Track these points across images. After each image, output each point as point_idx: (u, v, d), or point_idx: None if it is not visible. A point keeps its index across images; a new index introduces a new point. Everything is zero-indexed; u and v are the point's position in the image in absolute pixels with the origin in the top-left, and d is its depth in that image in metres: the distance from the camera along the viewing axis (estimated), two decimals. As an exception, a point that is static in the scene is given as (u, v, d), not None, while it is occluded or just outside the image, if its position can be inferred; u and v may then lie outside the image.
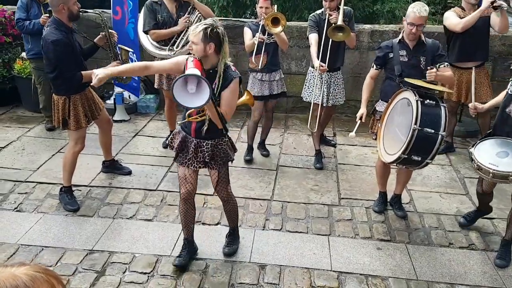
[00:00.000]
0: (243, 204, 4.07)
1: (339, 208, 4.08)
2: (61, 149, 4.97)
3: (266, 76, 4.54)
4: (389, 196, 4.09)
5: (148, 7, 4.63)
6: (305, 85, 4.74)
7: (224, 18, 6.85)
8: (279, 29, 4.19)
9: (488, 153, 3.19)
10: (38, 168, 4.56)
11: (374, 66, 3.86)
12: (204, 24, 2.79)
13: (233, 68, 2.95)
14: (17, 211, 3.88)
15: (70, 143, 4.00)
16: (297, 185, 4.45)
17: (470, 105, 3.56)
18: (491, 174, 3.11)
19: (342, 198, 4.24)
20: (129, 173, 4.50)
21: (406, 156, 3.31)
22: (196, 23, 4.32)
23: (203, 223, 3.79)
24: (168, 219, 3.84)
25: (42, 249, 3.42)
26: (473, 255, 3.52)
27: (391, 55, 3.72)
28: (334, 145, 5.34)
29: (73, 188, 4.07)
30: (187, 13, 4.59)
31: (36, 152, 4.89)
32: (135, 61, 5.49)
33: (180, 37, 4.59)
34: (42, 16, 4.86)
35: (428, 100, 3.30)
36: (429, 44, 3.68)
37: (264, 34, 4.33)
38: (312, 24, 4.44)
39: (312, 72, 4.60)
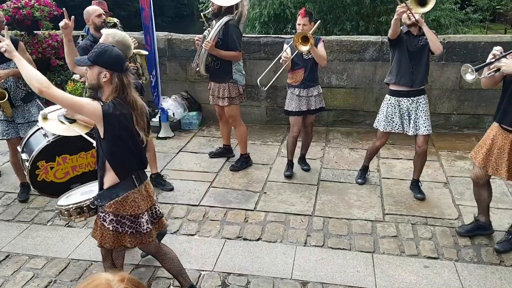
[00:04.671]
0: (284, 220, 4.06)
1: (383, 224, 3.99)
2: (109, 166, 5.17)
3: (303, 91, 4.53)
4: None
5: None
6: (381, 112, 4.37)
7: (264, 35, 6.94)
8: (306, 48, 4.17)
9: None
10: (87, 185, 4.75)
11: None
12: None
13: None
14: (68, 226, 4.06)
15: None
16: (339, 200, 4.39)
17: None
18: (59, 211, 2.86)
19: (387, 214, 4.14)
20: (171, 189, 4.61)
21: None
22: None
23: (244, 239, 3.81)
24: (210, 234, 3.89)
25: (91, 263, 3.56)
26: (527, 275, 3.34)
27: None
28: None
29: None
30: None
31: (86, 169, 5.11)
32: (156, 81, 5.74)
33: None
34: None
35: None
36: None
37: (292, 53, 4.37)
38: None
39: (388, 100, 4.25)
